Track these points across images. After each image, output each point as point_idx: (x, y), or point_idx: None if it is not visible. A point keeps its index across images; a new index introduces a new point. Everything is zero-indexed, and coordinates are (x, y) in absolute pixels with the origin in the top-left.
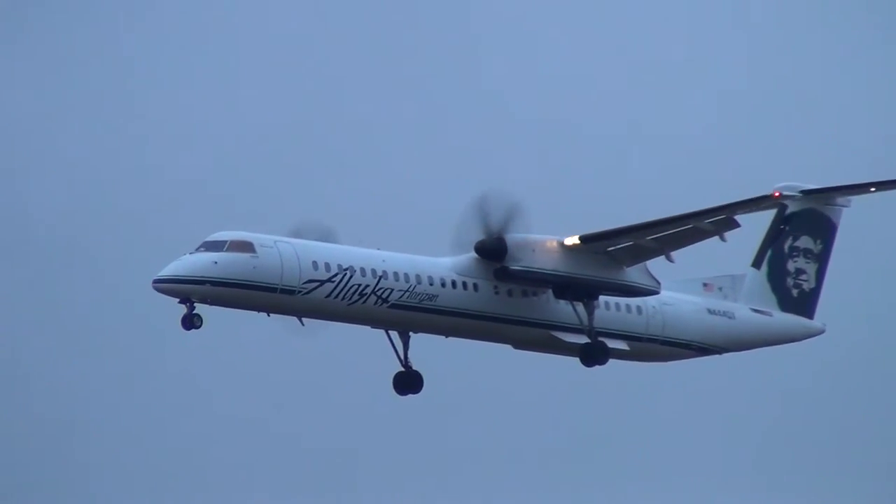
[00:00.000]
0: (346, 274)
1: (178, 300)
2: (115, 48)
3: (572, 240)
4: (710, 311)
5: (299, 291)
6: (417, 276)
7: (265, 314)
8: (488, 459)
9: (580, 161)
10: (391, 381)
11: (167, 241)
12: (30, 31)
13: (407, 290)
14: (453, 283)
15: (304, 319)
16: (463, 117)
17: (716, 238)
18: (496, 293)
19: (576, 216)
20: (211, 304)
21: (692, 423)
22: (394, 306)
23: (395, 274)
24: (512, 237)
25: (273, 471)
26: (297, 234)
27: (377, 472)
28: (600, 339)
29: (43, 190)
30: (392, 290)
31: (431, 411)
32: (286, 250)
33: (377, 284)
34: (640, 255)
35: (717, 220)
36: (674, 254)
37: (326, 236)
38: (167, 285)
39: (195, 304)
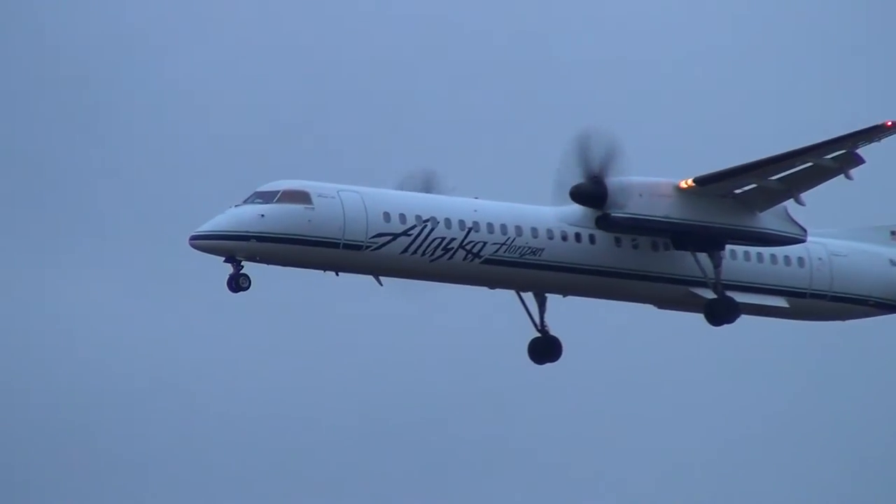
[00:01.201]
0: (425, 226)
1: (223, 259)
2: None
3: (687, 182)
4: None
5: (367, 247)
6: (517, 228)
7: (333, 273)
8: (637, 434)
9: (679, 103)
10: (526, 348)
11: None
12: None
13: (504, 244)
14: (563, 235)
15: (381, 278)
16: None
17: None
18: (618, 245)
19: (683, 160)
20: (260, 262)
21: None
22: (488, 262)
23: (490, 226)
24: (614, 180)
25: (405, 452)
26: (402, 185)
27: (516, 453)
28: (728, 294)
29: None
30: (485, 243)
31: (572, 381)
32: (351, 200)
33: (466, 238)
34: (769, 198)
35: (838, 156)
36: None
37: (430, 185)
38: (205, 241)
39: (242, 264)
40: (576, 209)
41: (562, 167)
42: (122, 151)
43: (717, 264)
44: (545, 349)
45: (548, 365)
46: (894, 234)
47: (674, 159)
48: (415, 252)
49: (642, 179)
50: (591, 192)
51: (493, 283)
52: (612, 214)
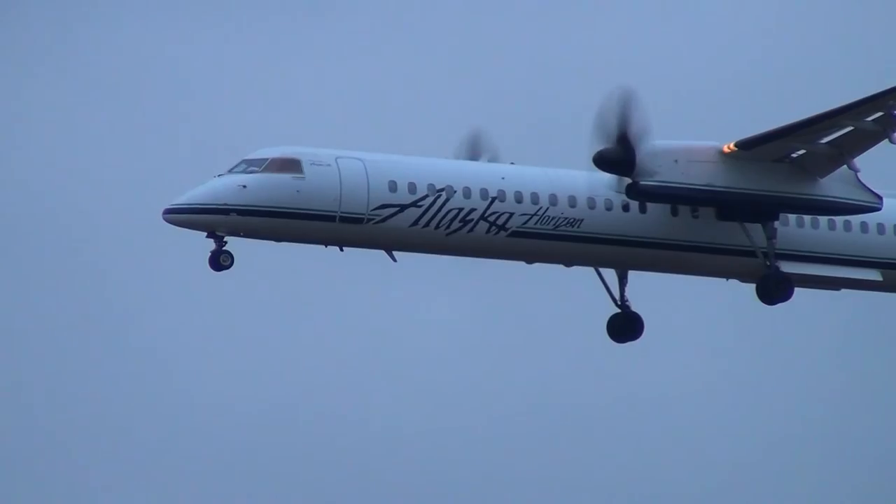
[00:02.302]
0: (438, 196)
1: (205, 234)
2: None
3: (730, 147)
4: None
5: (369, 219)
6: (552, 197)
7: (336, 248)
8: (725, 419)
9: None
10: (605, 325)
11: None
12: None
13: (535, 214)
14: (608, 204)
15: (394, 254)
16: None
17: None
18: (674, 214)
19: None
20: (245, 237)
21: None
22: (516, 234)
23: (518, 194)
24: (644, 145)
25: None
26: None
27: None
28: (783, 269)
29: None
30: (511, 213)
31: (654, 359)
32: (351, 169)
33: (488, 208)
34: (823, 164)
35: (879, 119)
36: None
37: (478, 150)
38: (179, 216)
39: (225, 240)
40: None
41: (596, 131)
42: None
43: (770, 235)
44: (625, 326)
45: (629, 344)
46: None
47: (713, 124)
48: (427, 225)
49: (679, 143)
50: (617, 158)
51: (523, 257)
52: (642, 182)
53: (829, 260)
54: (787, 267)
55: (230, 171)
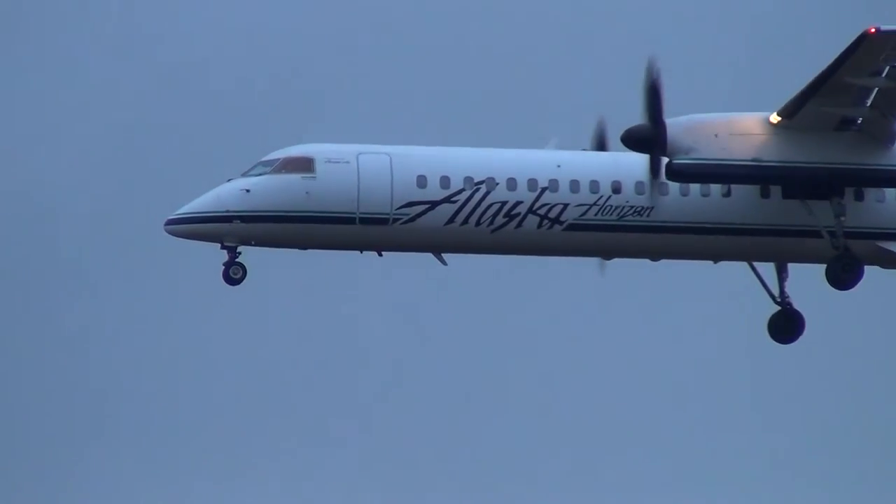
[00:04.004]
0: (477, 190)
1: (219, 246)
2: None
3: (776, 117)
4: None
5: (396, 219)
6: (615, 184)
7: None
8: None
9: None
10: (766, 324)
11: None
12: None
13: (594, 204)
14: (684, 189)
15: (444, 256)
16: None
17: None
18: (765, 196)
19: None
20: (257, 245)
21: None
22: (574, 227)
23: (574, 183)
24: (675, 119)
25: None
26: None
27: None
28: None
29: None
30: (566, 205)
31: (818, 361)
32: (372, 164)
33: (538, 200)
34: (885, 129)
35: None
36: None
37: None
38: (180, 227)
39: (238, 251)
40: None
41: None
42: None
43: (839, 213)
44: (786, 325)
45: (790, 343)
46: None
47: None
48: (466, 222)
49: (717, 116)
50: (646, 136)
51: (587, 253)
52: (675, 161)
53: None
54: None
55: (243, 175)
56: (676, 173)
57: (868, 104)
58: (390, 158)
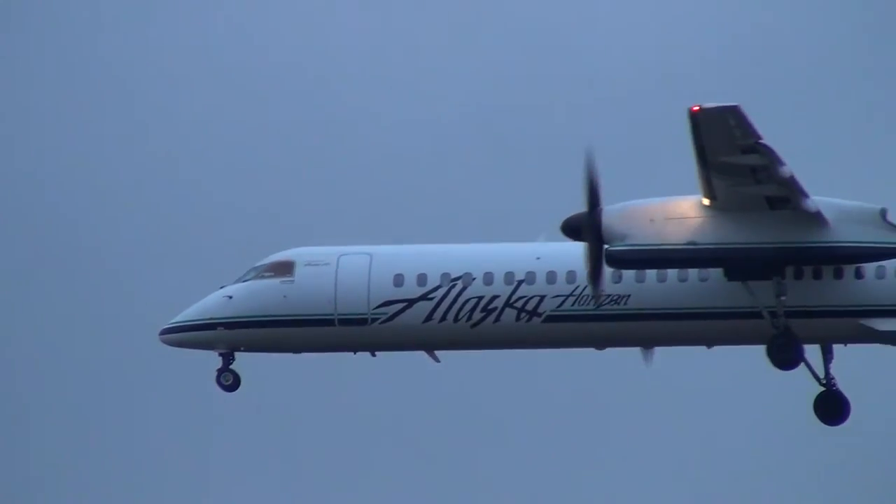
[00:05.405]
0: (454, 286)
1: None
2: None
3: (705, 200)
4: None
5: (374, 319)
6: None
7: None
8: None
9: None
10: (811, 406)
11: None
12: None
13: (571, 294)
14: (661, 276)
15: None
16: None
17: None
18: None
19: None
20: (247, 351)
21: None
22: (552, 318)
23: (551, 275)
24: (610, 207)
25: None
26: None
27: None
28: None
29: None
30: (542, 297)
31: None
32: (351, 266)
33: (514, 293)
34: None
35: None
36: None
37: None
38: (170, 336)
39: (232, 357)
40: None
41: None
42: None
43: (780, 293)
44: (830, 407)
45: (836, 426)
46: None
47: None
48: (444, 318)
49: (653, 201)
50: (582, 225)
51: (570, 343)
52: (609, 248)
53: None
54: (876, 324)
55: (235, 281)
56: (613, 260)
57: (775, 181)
58: (370, 258)
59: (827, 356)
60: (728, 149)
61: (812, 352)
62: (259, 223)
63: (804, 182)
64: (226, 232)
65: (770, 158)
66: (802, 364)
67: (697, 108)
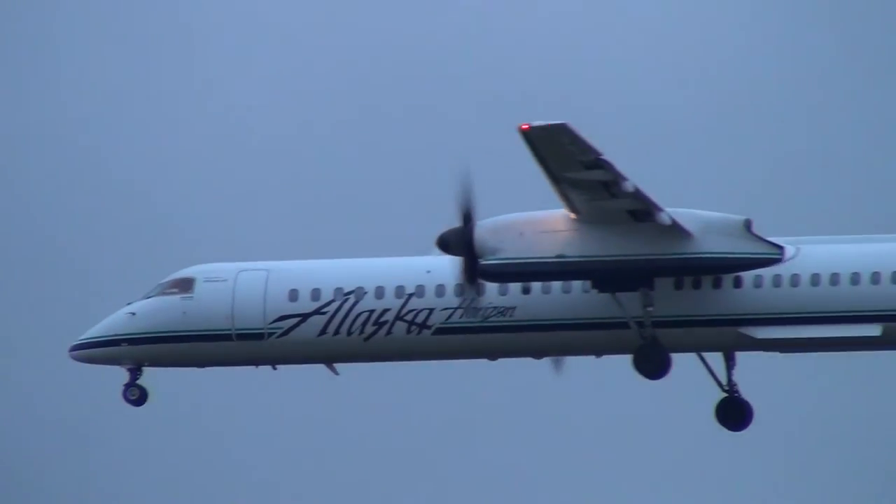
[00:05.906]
0: (346, 300)
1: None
2: None
3: (571, 213)
4: None
5: (270, 333)
6: (479, 286)
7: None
8: None
9: None
10: (713, 411)
11: None
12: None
13: (458, 307)
14: (546, 288)
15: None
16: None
17: None
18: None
19: None
20: (151, 366)
21: None
22: (441, 331)
23: (440, 288)
24: (483, 222)
25: None
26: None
27: None
28: (659, 339)
29: None
30: (432, 310)
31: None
32: (249, 282)
33: (404, 306)
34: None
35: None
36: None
37: None
38: (78, 352)
39: (139, 372)
40: None
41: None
42: None
43: (647, 303)
44: (732, 413)
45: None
46: None
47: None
48: (337, 332)
49: (524, 215)
50: (455, 239)
51: (461, 355)
52: (482, 262)
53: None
54: (752, 331)
55: (142, 297)
56: (487, 274)
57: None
58: (267, 274)
59: (729, 363)
60: (569, 165)
61: (715, 359)
62: (174, 238)
63: (676, 194)
64: (142, 247)
65: (612, 173)
66: (706, 370)
67: (527, 126)
